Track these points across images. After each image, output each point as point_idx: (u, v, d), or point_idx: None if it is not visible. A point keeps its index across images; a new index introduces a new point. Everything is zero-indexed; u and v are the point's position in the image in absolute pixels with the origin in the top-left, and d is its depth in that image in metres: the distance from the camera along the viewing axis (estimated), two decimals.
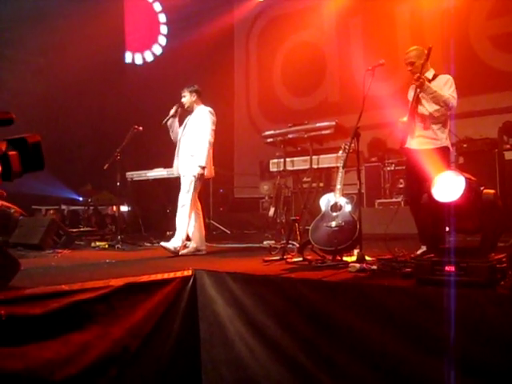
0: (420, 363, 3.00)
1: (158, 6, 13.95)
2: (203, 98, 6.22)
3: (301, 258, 4.73)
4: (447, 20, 10.65)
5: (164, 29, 14.05)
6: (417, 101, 5.06)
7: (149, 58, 13.82)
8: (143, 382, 3.72)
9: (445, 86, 5.03)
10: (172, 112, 6.23)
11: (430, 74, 5.15)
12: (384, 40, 11.20)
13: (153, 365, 3.80)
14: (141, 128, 7.72)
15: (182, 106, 6.21)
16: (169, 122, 6.24)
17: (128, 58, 13.55)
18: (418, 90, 5.01)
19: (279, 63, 13.94)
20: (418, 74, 4.93)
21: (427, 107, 5.06)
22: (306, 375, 3.45)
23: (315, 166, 7.25)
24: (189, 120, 6.23)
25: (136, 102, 12.04)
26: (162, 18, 14.03)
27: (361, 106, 4.74)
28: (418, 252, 4.89)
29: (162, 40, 14.01)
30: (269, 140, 7.71)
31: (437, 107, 5.02)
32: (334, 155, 6.65)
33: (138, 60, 13.72)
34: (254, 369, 3.77)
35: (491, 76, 10.04)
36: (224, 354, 3.98)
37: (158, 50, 13.95)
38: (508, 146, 8.61)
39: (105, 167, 7.54)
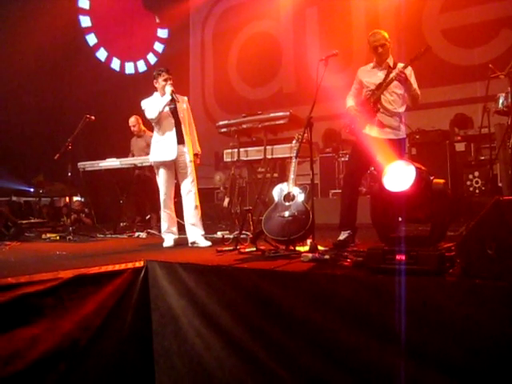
0: (372, 351, 3.02)
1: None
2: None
3: (254, 248, 4.72)
4: (401, 13, 10.80)
5: None
6: (383, 90, 4.94)
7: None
8: (94, 375, 3.66)
9: (410, 79, 4.91)
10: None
11: (390, 61, 5.04)
12: (339, 31, 11.29)
13: (104, 358, 3.74)
14: (93, 117, 7.55)
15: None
16: None
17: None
18: (392, 78, 4.86)
19: (235, 53, 13.87)
20: (401, 69, 4.79)
21: (390, 100, 4.97)
22: (259, 365, 3.45)
23: (269, 156, 7.22)
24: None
25: (89, 92, 11.81)
26: None
27: (314, 96, 4.72)
28: (340, 238, 4.92)
29: None
30: (223, 130, 7.64)
31: (401, 104, 4.99)
32: (288, 145, 6.63)
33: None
34: (207, 359, 3.75)
35: (444, 69, 10.21)
36: (177, 345, 3.95)
37: None
38: (459, 138, 8.82)
39: (56, 157, 7.36)
